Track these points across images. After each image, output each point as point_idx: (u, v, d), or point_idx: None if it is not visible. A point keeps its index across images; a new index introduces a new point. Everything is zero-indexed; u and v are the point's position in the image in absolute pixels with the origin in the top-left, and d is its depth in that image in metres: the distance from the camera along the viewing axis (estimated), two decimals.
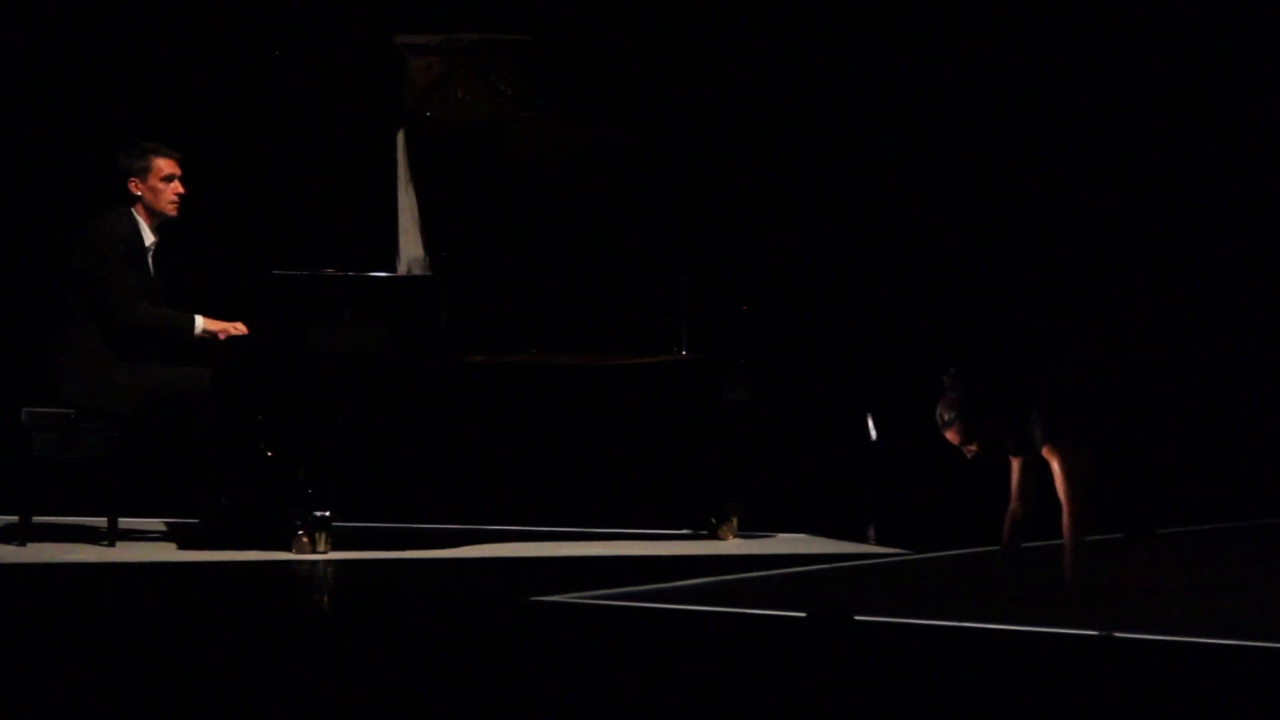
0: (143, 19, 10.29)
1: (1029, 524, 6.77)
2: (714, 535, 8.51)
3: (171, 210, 8.13)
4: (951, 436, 6.72)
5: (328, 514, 7.82)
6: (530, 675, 5.38)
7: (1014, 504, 6.81)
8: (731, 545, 8.39)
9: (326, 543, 7.82)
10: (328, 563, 7.69)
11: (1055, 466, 6.61)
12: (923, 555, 8.04)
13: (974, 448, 6.73)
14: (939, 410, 6.71)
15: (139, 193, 8.10)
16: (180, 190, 8.13)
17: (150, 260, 8.12)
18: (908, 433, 11.15)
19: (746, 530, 8.54)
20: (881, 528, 9.48)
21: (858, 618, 5.93)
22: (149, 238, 8.12)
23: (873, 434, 11.42)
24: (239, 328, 8.02)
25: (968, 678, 5.45)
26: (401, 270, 8.26)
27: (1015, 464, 6.81)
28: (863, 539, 8.87)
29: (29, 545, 7.86)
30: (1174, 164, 11.50)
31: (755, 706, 4.98)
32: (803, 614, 5.93)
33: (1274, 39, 11.38)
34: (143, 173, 8.10)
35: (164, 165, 8.13)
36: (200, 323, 8.02)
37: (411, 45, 8.22)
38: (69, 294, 8.02)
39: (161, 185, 8.11)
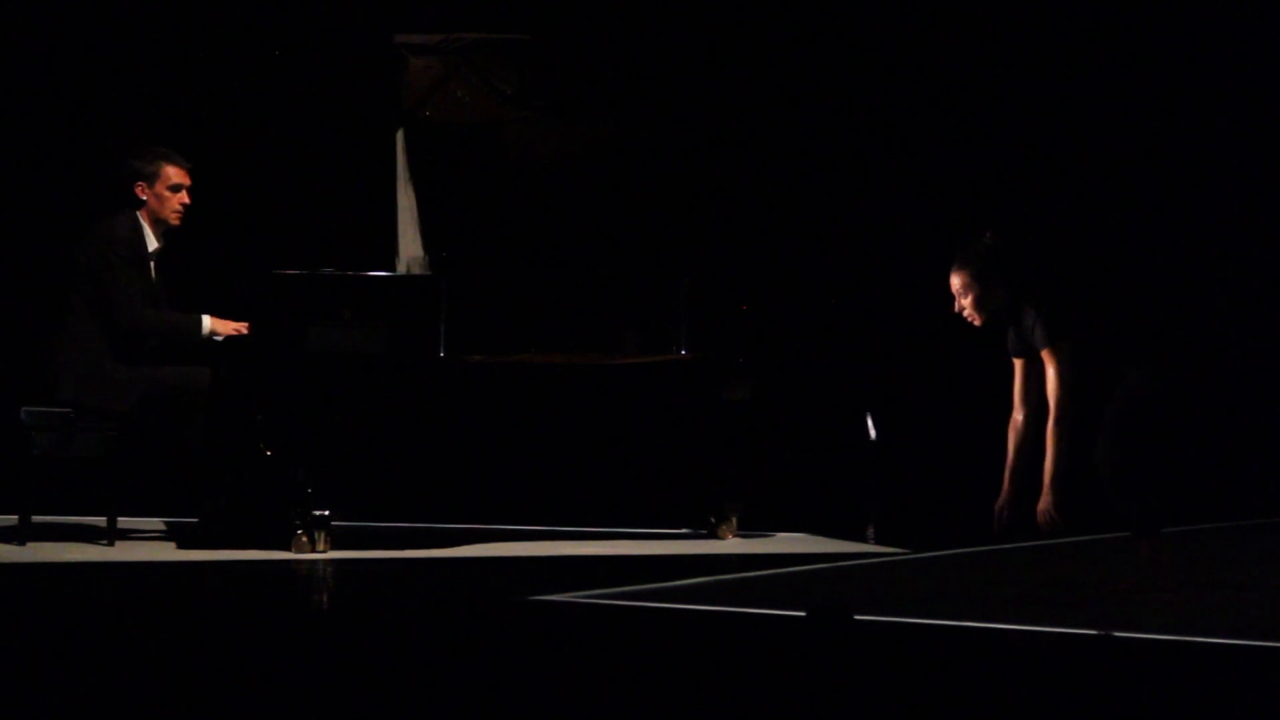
0: (143, 19, 10.28)
1: (1033, 438, 6.68)
2: (714, 535, 8.51)
3: (174, 219, 8.10)
4: (955, 281, 6.69)
5: (327, 513, 7.82)
6: (530, 675, 5.38)
7: (1015, 410, 6.76)
8: (731, 545, 8.39)
9: (326, 542, 7.82)
10: (327, 562, 7.68)
11: (1051, 371, 6.58)
12: (923, 555, 8.04)
13: (967, 302, 6.70)
14: (959, 253, 6.68)
15: (144, 197, 8.07)
16: (186, 200, 8.10)
17: (153, 266, 8.11)
18: (908, 433, 11.17)
19: (746, 530, 8.54)
20: (881, 528, 9.48)
21: (858, 618, 5.93)
22: (152, 243, 8.09)
23: (873, 434, 11.41)
24: (244, 328, 8.02)
25: (968, 678, 5.45)
26: (401, 270, 8.26)
27: (1018, 367, 6.77)
28: (863, 539, 8.87)
29: (28, 545, 7.86)
30: (1178, 159, 11.50)
31: (755, 706, 4.97)
32: (802, 613, 5.93)
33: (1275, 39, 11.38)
34: (151, 178, 8.08)
35: (173, 174, 8.10)
36: (208, 323, 8.01)
37: (411, 45, 8.21)
38: (71, 294, 8.01)
39: (168, 193, 8.08)
